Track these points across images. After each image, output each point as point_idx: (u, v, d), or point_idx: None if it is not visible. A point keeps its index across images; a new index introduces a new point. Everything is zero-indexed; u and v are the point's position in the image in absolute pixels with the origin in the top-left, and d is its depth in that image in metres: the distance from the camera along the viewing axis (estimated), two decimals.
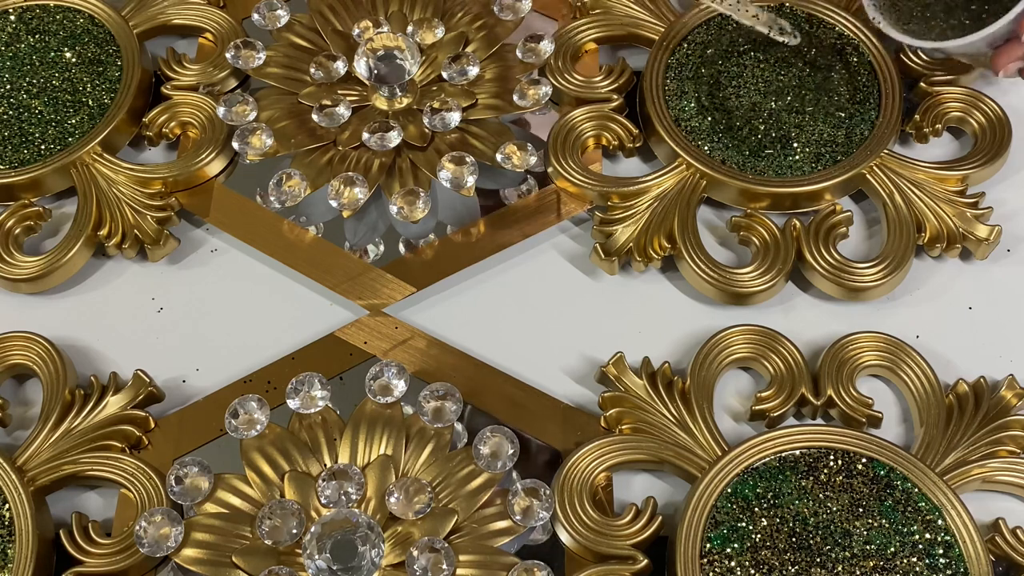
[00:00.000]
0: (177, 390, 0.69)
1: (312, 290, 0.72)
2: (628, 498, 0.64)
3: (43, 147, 0.75)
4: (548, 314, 0.71)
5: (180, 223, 0.74)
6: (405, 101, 0.77)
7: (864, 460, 0.62)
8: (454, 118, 0.75)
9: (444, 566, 0.59)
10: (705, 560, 0.60)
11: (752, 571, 0.59)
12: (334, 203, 0.72)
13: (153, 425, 0.67)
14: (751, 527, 0.61)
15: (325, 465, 0.63)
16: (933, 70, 0.77)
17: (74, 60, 0.79)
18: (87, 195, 0.73)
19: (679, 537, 0.60)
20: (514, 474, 0.64)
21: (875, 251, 0.71)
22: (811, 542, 0.60)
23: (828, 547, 0.60)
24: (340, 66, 0.78)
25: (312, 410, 0.65)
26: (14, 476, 0.63)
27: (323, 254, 0.73)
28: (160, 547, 0.60)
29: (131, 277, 0.73)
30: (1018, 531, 0.61)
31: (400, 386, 0.65)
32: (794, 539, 0.60)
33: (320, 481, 0.62)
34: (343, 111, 0.75)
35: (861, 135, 0.74)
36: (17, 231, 0.73)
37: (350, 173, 0.73)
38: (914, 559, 0.59)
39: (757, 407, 0.66)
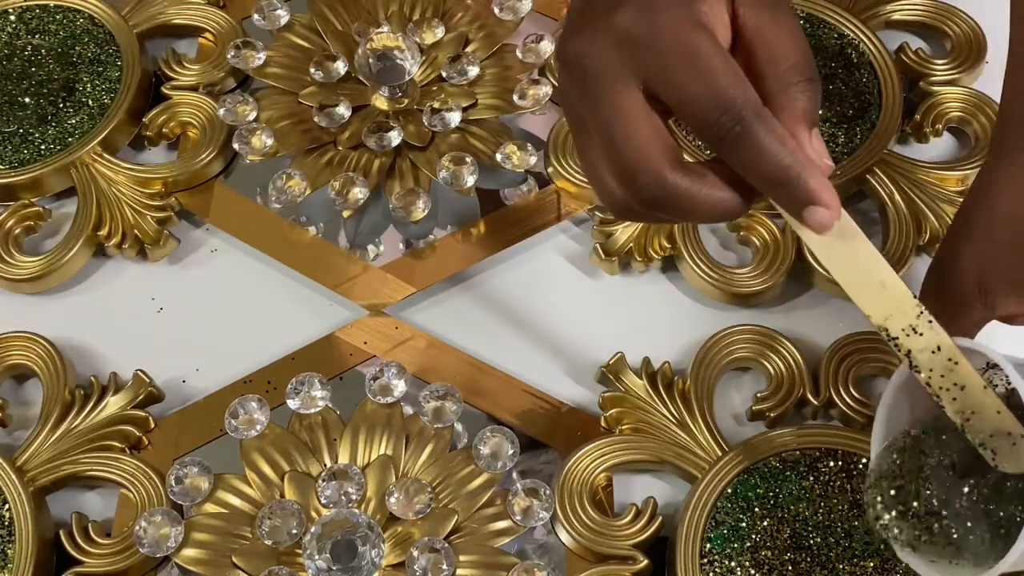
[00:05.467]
0: (177, 390, 0.69)
1: (312, 290, 0.72)
2: (628, 498, 0.64)
3: (43, 147, 0.75)
4: (548, 314, 0.71)
5: (180, 223, 0.74)
6: (405, 101, 0.77)
7: (864, 460, 0.62)
8: (454, 118, 0.75)
9: (444, 566, 0.59)
10: (705, 560, 0.60)
11: (752, 571, 0.59)
12: (334, 203, 0.72)
13: (153, 425, 0.67)
14: (751, 527, 0.61)
15: (325, 465, 0.63)
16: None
17: (74, 60, 0.79)
18: (87, 195, 0.73)
19: (679, 537, 0.60)
20: (514, 474, 0.64)
21: None
22: (811, 542, 0.60)
23: (828, 547, 0.60)
24: (340, 66, 0.78)
25: (312, 410, 0.65)
26: (14, 476, 0.63)
27: (323, 254, 0.73)
28: (160, 547, 0.60)
29: (131, 277, 0.73)
30: None
31: (400, 386, 0.65)
32: (794, 539, 0.60)
33: (320, 481, 0.62)
34: (343, 111, 0.75)
35: (861, 135, 0.74)
36: (17, 231, 0.73)
37: (350, 173, 0.73)
38: None
39: (757, 407, 0.66)
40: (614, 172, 0.47)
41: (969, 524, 0.49)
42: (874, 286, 0.49)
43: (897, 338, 0.49)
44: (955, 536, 0.49)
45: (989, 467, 0.49)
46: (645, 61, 0.45)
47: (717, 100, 0.44)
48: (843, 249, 0.48)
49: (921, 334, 0.49)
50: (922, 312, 0.49)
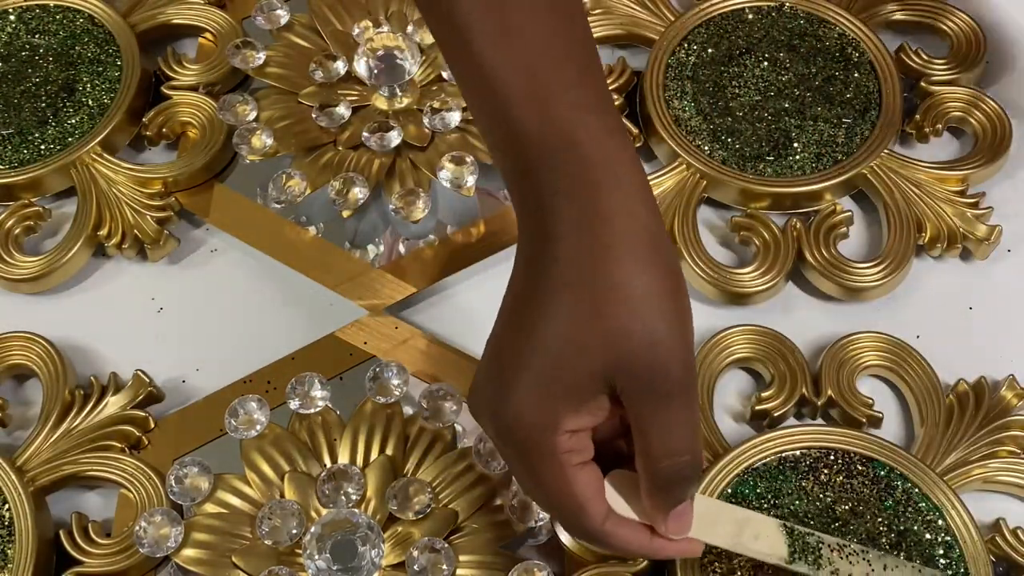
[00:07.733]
0: (177, 390, 0.69)
1: (312, 290, 0.72)
2: None
3: (43, 147, 0.75)
4: None
5: (180, 223, 0.74)
6: (405, 101, 0.77)
7: (864, 460, 0.62)
8: (454, 118, 0.75)
9: (444, 566, 0.59)
10: (705, 560, 0.60)
11: (753, 571, 0.59)
12: (334, 203, 0.72)
13: (153, 425, 0.67)
14: None
15: (325, 465, 0.63)
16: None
17: (74, 60, 0.79)
18: (87, 195, 0.73)
19: None
20: None
21: (875, 251, 0.71)
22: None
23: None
24: (340, 66, 0.78)
25: (312, 410, 0.65)
26: (14, 476, 0.63)
27: (323, 254, 0.73)
28: (160, 547, 0.60)
29: (131, 277, 0.73)
30: (1019, 531, 0.61)
31: (400, 386, 0.65)
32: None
33: (320, 481, 0.62)
34: (343, 111, 0.75)
35: (861, 135, 0.74)
36: (17, 231, 0.73)
37: (350, 173, 0.73)
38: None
39: (758, 407, 0.66)
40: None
41: None
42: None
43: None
44: None
45: None
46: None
47: (569, 527, 0.54)
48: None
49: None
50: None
